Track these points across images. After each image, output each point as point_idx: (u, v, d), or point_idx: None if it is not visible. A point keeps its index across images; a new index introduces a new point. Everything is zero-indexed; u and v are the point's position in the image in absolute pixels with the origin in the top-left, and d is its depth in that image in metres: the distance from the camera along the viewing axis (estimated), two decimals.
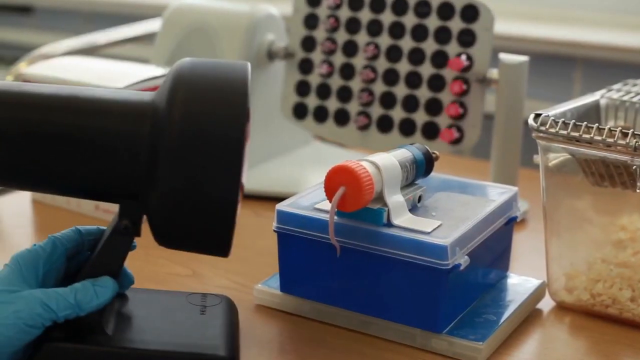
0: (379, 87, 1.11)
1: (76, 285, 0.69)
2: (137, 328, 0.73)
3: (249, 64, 0.70)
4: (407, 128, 1.10)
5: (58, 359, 0.69)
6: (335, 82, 1.13)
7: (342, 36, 1.12)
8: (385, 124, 1.11)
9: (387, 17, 1.09)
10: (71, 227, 0.74)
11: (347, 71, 1.13)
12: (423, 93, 1.09)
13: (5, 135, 0.68)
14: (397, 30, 1.09)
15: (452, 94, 1.06)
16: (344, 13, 1.12)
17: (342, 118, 1.13)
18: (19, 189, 0.76)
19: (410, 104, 1.09)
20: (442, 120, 1.08)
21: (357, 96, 1.12)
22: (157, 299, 0.78)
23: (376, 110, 1.11)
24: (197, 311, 0.76)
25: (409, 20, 1.08)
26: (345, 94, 1.13)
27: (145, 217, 0.70)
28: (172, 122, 0.66)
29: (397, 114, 1.10)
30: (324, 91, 1.14)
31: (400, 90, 1.10)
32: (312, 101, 1.15)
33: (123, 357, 0.70)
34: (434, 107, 1.08)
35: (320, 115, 1.15)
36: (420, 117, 1.09)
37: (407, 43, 1.09)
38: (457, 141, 1.07)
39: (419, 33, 1.08)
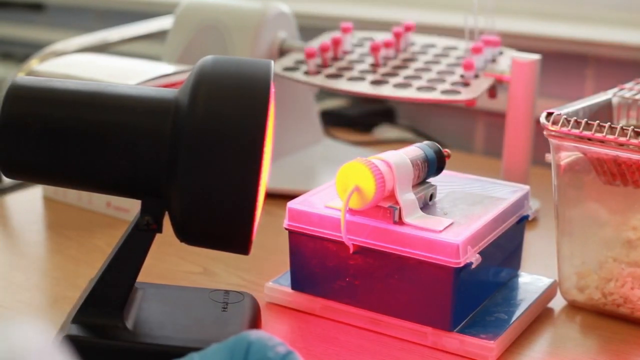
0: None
1: None
2: (157, 324, 0.73)
3: (272, 62, 0.69)
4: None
5: (78, 354, 0.69)
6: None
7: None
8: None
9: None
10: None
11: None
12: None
13: (29, 130, 0.68)
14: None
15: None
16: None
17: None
18: (41, 183, 0.77)
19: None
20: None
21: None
22: (179, 295, 0.79)
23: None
24: (219, 308, 0.76)
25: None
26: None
27: (167, 213, 0.70)
28: (193, 120, 0.66)
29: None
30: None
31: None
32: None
33: (143, 352, 0.70)
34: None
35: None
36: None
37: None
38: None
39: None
